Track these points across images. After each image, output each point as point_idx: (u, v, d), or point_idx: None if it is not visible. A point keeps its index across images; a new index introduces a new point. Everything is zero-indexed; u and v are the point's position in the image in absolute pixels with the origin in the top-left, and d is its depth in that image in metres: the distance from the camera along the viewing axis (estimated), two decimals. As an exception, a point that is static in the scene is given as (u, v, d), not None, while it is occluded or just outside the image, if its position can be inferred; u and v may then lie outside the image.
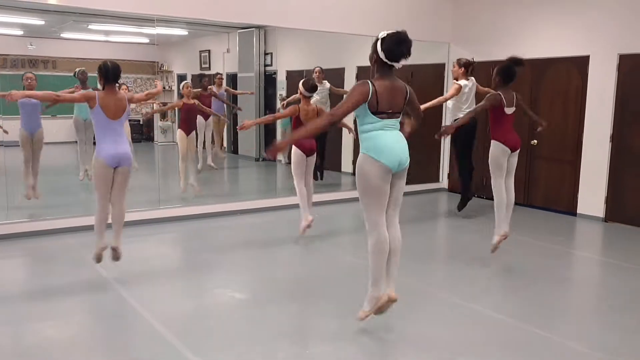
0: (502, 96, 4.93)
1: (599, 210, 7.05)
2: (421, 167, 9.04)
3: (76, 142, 8.07)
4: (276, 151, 3.36)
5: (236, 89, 10.74)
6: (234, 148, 11.32)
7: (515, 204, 7.76)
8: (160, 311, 3.96)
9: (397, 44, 3.27)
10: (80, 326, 3.83)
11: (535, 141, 7.66)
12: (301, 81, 5.60)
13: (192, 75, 11.96)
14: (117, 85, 4.42)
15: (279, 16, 7.18)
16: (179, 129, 7.62)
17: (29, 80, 6.52)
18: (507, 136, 5.00)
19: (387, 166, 3.30)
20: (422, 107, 6.05)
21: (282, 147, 3.40)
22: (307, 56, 10.05)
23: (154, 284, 4.59)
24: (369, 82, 3.28)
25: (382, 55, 3.28)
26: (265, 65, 10.39)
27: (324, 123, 3.32)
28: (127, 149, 4.37)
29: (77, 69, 7.95)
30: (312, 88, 5.54)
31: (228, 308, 4.14)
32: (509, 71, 4.95)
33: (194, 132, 7.65)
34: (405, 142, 3.45)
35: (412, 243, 5.87)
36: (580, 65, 7.13)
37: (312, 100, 5.85)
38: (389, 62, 3.30)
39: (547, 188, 7.65)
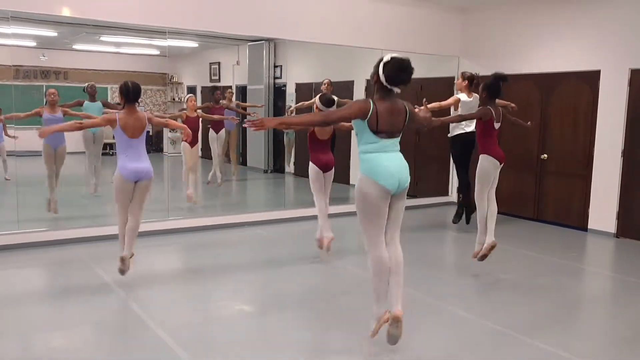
0: (492, 111, 5.04)
1: (611, 226, 6.98)
2: (430, 181, 9.03)
3: (84, 152, 8.10)
4: (261, 124, 3.24)
5: (246, 102, 10.78)
6: (242, 160, 11.33)
7: (526, 218, 7.82)
8: (167, 322, 3.95)
9: (398, 71, 3.30)
10: (88, 336, 3.82)
11: (546, 155, 7.63)
12: (318, 95, 5.59)
13: (202, 87, 12.03)
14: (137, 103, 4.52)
15: (288, 29, 7.23)
16: (183, 142, 7.65)
17: (52, 96, 6.64)
18: (496, 150, 5.14)
19: (385, 187, 3.32)
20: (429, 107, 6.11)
21: (268, 123, 3.35)
22: (317, 69, 10.08)
23: (162, 295, 4.58)
24: (371, 101, 3.31)
25: (382, 78, 3.31)
26: (275, 78, 10.42)
27: (318, 119, 3.48)
28: (147, 165, 4.52)
29: (87, 84, 8.03)
30: (328, 102, 5.51)
31: (235, 320, 4.12)
32: (495, 87, 5.08)
33: (198, 144, 7.70)
34: (406, 163, 3.45)
35: (420, 256, 5.83)
36: (591, 80, 7.10)
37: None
38: (388, 86, 3.33)
39: (558, 203, 7.59)
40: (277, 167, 10.46)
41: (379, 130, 3.32)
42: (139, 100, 4.52)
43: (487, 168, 5.11)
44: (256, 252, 5.99)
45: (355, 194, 3.42)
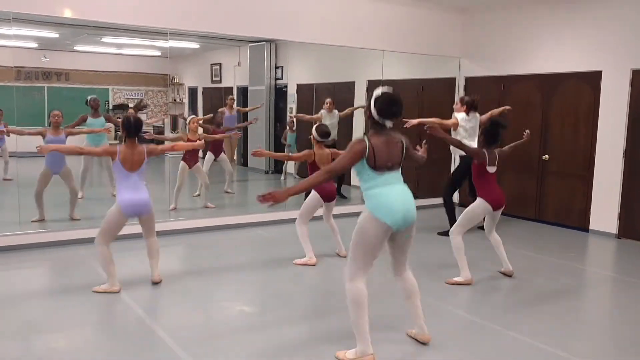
0: (486, 154, 4.95)
1: (612, 227, 6.98)
2: (432, 182, 9.02)
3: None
4: (273, 200, 3.18)
5: (247, 103, 10.80)
6: (243, 160, 11.35)
7: (527, 219, 7.82)
8: (168, 323, 3.95)
9: (388, 105, 3.30)
10: (89, 337, 3.83)
11: (547, 156, 7.62)
12: (314, 127, 5.59)
13: (204, 88, 12.04)
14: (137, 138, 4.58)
15: (289, 30, 7.23)
16: (182, 161, 7.63)
17: (56, 117, 6.59)
18: (493, 195, 4.97)
19: (389, 226, 3.28)
20: (413, 122, 6.12)
21: (281, 198, 3.20)
22: (318, 70, 10.09)
23: (163, 296, 4.59)
24: (365, 138, 3.30)
25: (374, 112, 3.32)
26: (276, 79, 10.43)
27: (322, 179, 3.33)
28: (144, 197, 4.55)
29: (89, 97, 7.99)
30: (324, 135, 5.53)
31: (236, 321, 4.12)
32: (493, 133, 5.02)
33: (197, 164, 7.67)
34: (412, 196, 3.41)
35: (420, 257, 5.83)
36: (592, 80, 7.10)
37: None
38: (380, 120, 3.33)
39: (559, 203, 7.59)
40: (278, 168, 10.46)
41: (377, 165, 3.30)
42: (139, 135, 4.59)
43: (477, 211, 4.97)
44: (257, 253, 5.99)
45: (356, 227, 3.36)
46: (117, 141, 4.65)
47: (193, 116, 7.89)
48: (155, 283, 4.77)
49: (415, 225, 3.44)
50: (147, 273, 4.92)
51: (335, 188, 5.69)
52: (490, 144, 5.03)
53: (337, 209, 7.43)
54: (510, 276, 5.22)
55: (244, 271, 5.36)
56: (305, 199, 5.69)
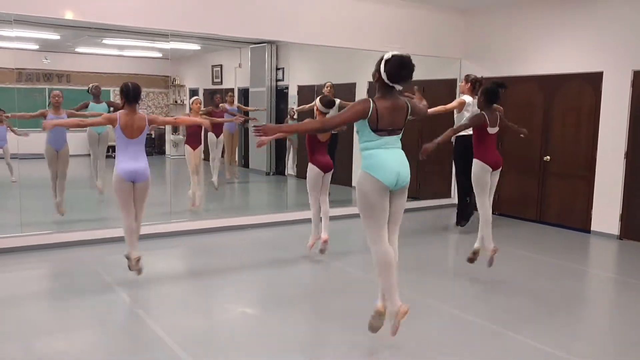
0: (486, 116, 4.98)
1: (614, 228, 6.97)
2: (432, 183, 9.02)
3: (89, 155, 8.12)
4: (264, 132, 3.32)
5: (248, 104, 10.80)
6: (244, 162, 11.34)
7: (528, 220, 7.81)
8: (171, 325, 3.95)
9: (399, 68, 3.30)
10: (91, 338, 3.82)
11: (549, 157, 7.62)
12: (318, 97, 5.61)
13: (205, 90, 12.05)
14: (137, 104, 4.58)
15: (290, 32, 7.23)
16: (186, 144, 7.65)
17: (56, 98, 6.67)
18: (488, 155, 5.05)
19: (384, 183, 3.33)
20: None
21: (270, 131, 3.39)
22: (319, 71, 10.09)
23: (165, 297, 4.58)
24: (371, 99, 3.33)
25: (384, 75, 3.32)
26: (277, 80, 10.44)
27: (316, 127, 3.57)
28: (143, 165, 4.55)
29: (91, 85, 8.04)
30: (328, 103, 5.53)
31: (237, 322, 4.12)
32: (493, 92, 5.04)
33: (200, 146, 7.69)
34: (406, 160, 3.46)
35: (421, 258, 5.82)
36: (593, 81, 7.09)
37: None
38: (389, 84, 3.33)
39: (561, 205, 7.58)
40: (279, 169, 10.46)
41: (379, 128, 3.34)
42: (139, 102, 4.58)
43: (478, 173, 5.05)
44: (258, 254, 5.99)
45: (356, 191, 3.46)
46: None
47: (196, 97, 7.89)
48: (137, 259, 4.67)
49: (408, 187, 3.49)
50: (149, 274, 4.92)
51: (330, 160, 5.69)
52: (490, 103, 5.04)
53: (338, 210, 7.45)
54: (495, 251, 5.15)
55: (245, 272, 5.36)
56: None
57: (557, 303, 4.64)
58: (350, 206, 7.84)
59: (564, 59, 7.38)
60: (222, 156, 9.23)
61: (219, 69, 11.80)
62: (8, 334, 3.78)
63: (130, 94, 4.49)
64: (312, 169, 5.60)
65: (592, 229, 7.19)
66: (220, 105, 8.99)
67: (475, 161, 5.07)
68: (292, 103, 9.99)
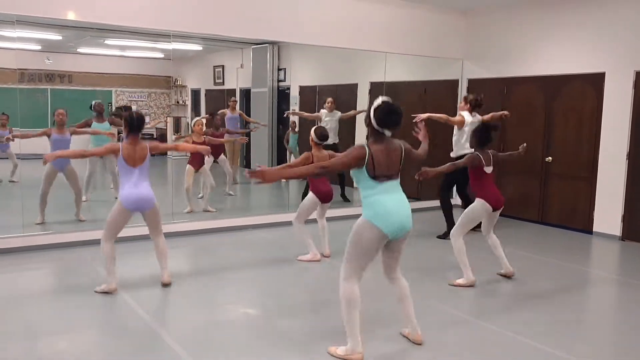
0: (481, 157, 4.97)
1: (616, 229, 6.95)
2: (433, 184, 9.00)
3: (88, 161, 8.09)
4: (262, 178, 3.24)
5: (249, 105, 10.81)
6: (246, 163, 11.35)
7: (530, 221, 7.80)
8: (172, 326, 3.95)
9: (387, 114, 3.33)
10: (92, 339, 3.83)
11: (550, 158, 7.61)
12: (313, 129, 5.58)
13: (206, 90, 12.06)
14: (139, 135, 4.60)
15: (292, 32, 7.23)
16: (188, 164, 7.62)
17: (60, 116, 6.59)
18: (491, 195, 5.00)
19: (385, 234, 3.33)
20: (422, 116, 6.05)
21: (270, 178, 3.29)
22: (321, 72, 10.10)
23: (166, 298, 4.59)
24: (366, 146, 3.33)
25: (374, 122, 3.35)
26: (279, 81, 10.45)
27: (314, 172, 3.51)
28: (147, 192, 4.54)
29: (93, 102, 8.01)
30: (322, 137, 5.52)
31: (239, 323, 4.12)
32: (485, 135, 5.04)
33: (203, 167, 7.67)
34: (408, 205, 3.45)
35: (422, 260, 5.82)
36: (595, 82, 7.08)
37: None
38: (379, 130, 3.36)
39: (563, 206, 7.57)
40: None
41: (377, 174, 3.34)
42: (142, 131, 4.60)
43: (478, 212, 4.98)
44: (260, 255, 5.99)
45: (353, 232, 3.40)
46: (120, 142, 4.63)
47: (197, 119, 7.87)
48: (165, 285, 4.74)
49: (410, 233, 3.48)
50: (151, 274, 4.93)
51: (331, 189, 5.68)
52: (482, 145, 5.05)
53: (338, 212, 7.44)
54: (510, 277, 5.20)
55: (246, 273, 5.36)
56: (302, 200, 5.71)
57: (559, 304, 4.63)
58: (351, 207, 7.84)
59: (566, 59, 7.38)
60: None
61: (220, 69, 11.81)
62: (10, 334, 3.78)
63: (135, 124, 4.51)
64: (310, 198, 5.57)
65: (594, 230, 7.18)
66: (220, 111, 8.93)
67: (478, 200, 4.99)
68: (294, 104, 9.99)
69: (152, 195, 4.56)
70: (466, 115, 6.66)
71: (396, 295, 3.64)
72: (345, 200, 8.47)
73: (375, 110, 3.35)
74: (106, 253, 4.52)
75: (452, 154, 6.82)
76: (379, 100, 3.38)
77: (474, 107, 6.66)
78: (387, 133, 3.37)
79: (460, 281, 4.98)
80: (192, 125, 7.65)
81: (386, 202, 3.34)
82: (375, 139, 3.39)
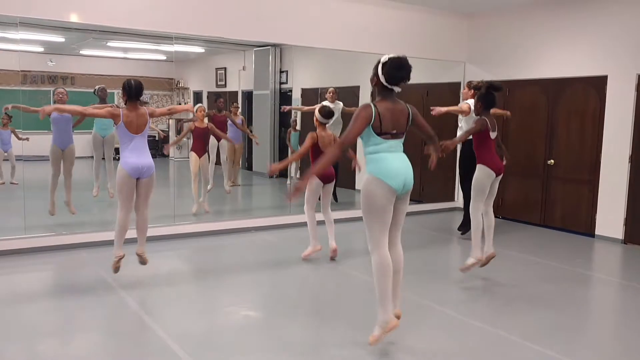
0: (487, 121, 5.02)
1: (618, 232, 6.94)
2: (436, 186, 9.00)
3: (92, 157, 8.13)
4: (299, 192, 3.37)
5: (252, 107, 10.81)
6: (248, 165, 11.35)
7: (532, 224, 7.79)
8: (173, 328, 3.95)
9: (397, 69, 3.35)
10: (94, 341, 3.83)
11: (552, 161, 7.60)
12: (317, 107, 5.56)
13: (209, 93, 12.07)
14: (139, 101, 4.66)
15: (295, 34, 7.24)
16: (191, 151, 7.65)
17: (60, 95, 6.65)
18: (493, 160, 5.06)
19: (392, 187, 3.35)
20: (441, 110, 6.06)
21: (303, 185, 3.41)
22: (323, 74, 10.10)
23: (168, 300, 4.58)
24: (372, 104, 3.34)
25: (382, 78, 3.36)
26: (281, 83, 10.45)
27: (337, 152, 3.40)
28: (148, 161, 4.63)
29: (97, 87, 8.03)
30: (328, 114, 5.48)
31: (240, 325, 4.11)
32: (489, 97, 5.07)
33: (206, 154, 7.70)
34: (410, 164, 3.49)
35: (425, 261, 5.81)
36: (598, 85, 7.07)
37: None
38: (389, 86, 3.36)
39: (565, 209, 7.55)
40: (283, 172, 10.46)
41: (383, 131, 3.36)
42: (140, 98, 4.65)
43: (482, 179, 5.03)
44: (262, 257, 5.99)
45: (362, 194, 3.43)
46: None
47: (200, 105, 7.89)
48: (140, 256, 4.81)
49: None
50: (152, 276, 4.93)
51: (333, 169, 5.61)
52: (487, 109, 5.08)
53: (342, 213, 7.44)
54: (485, 263, 5.15)
55: (248, 275, 5.36)
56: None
57: (561, 307, 4.62)
58: (353, 209, 7.83)
59: (568, 62, 7.37)
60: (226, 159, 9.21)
61: (223, 71, 11.82)
62: (11, 335, 3.78)
63: (133, 91, 4.57)
64: (311, 181, 5.54)
65: (596, 233, 7.16)
66: (224, 112, 8.90)
67: (479, 166, 5.06)
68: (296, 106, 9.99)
69: (152, 162, 4.65)
70: (472, 103, 6.65)
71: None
72: (335, 200, 8.37)
73: (383, 65, 3.34)
74: (118, 220, 4.60)
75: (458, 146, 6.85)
76: (385, 57, 3.36)
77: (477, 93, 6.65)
78: (397, 89, 3.38)
79: (468, 262, 5.03)
80: (195, 110, 7.67)
81: (390, 159, 3.37)
82: (383, 96, 3.40)
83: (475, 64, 8.60)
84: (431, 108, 6.20)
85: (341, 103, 8.52)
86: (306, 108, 8.79)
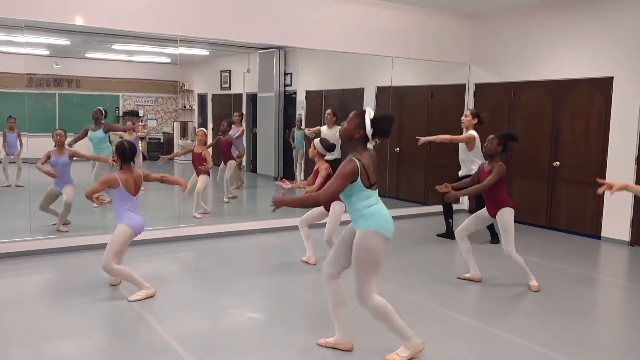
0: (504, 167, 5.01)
1: (624, 234, 6.90)
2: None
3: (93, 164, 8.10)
4: (279, 205, 3.38)
5: (256, 110, 10.82)
6: (252, 167, 11.36)
7: (538, 226, 7.75)
8: (177, 330, 3.95)
9: (389, 125, 3.38)
10: (98, 343, 3.83)
11: (558, 163, 7.57)
12: (318, 140, 5.50)
13: (213, 95, 12.09)
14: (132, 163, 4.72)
15: (299, 37, 7.25)
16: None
17: (58, 137, 6.56)
18: (508, 198, 5.11)
19: (388, 239, 3.38)
20: (428, 139, 6.06)
21: (283, 204, 3.42)
22: (327, 76, 10.10)
23: (172, 302, 4.58)
24: (356, 159, 3.30)
25: (369, 132, 3.33)
26: (285, 85, 10.45)
27: (315, 202, 3.78)
28: (142, 218, 4.75)
29: (94, 109, 8.07)
30: (328, 148, 5.45)
31: (244, 328, 4.11)
32: (507, 145, 5.07)
33: (204, 175, 7.67)
34: None
35: (429, 264, 5.79)
36: (603, 86, 7.04)
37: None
38: (373, 140, 3.37)
39: (571, 211, 7.52)
40: (288, 174, 10.46)
41: (371, 183, 3.36)
42: (134, 160, 4.73)
43: (511, 219, 4.99)
44: (266, 260, 5.98)
45: (363, 250, 3.32)
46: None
47: (200, 129, 7.89)
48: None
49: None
50: (154, 278, 4.93)
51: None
52: (504, 152, 5.08)
53: (344, 215, 7.41)
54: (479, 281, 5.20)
55: (251, 277, 5.35)
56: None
57: (566, 310, 4.59)
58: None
59: (574, 64, 7.34)
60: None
61: (227, 74, 11.84)
62: (16, 337, 3.79)
63: (127, 154, 4.61)
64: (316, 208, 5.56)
65: (602, 235, 7.13)
66: (228, 129, 8.85)
67: (508, 210, 4.98)
68: (300, 108, 10.00)
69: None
70: (475, 134, 6.56)
71: (337, 295, 3.57)
72: None
73: (377, 122, 3.34)
74: (122, 273, 4.56)
75: (460, 173, 6.72)
76: (370, 113, 3.37)
77: (480, 121, 6.55)
78: (375, 143, 3.41)
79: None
80: (196, 134, 7.69)
81: (385, 210, 3.39)
82: (363, 148, 3.38)
83: (479, 66, 8.58)
84: (417, 137, 6.16)
85: (339, 127, 8.46)
86: (309, 132, 8.55)
